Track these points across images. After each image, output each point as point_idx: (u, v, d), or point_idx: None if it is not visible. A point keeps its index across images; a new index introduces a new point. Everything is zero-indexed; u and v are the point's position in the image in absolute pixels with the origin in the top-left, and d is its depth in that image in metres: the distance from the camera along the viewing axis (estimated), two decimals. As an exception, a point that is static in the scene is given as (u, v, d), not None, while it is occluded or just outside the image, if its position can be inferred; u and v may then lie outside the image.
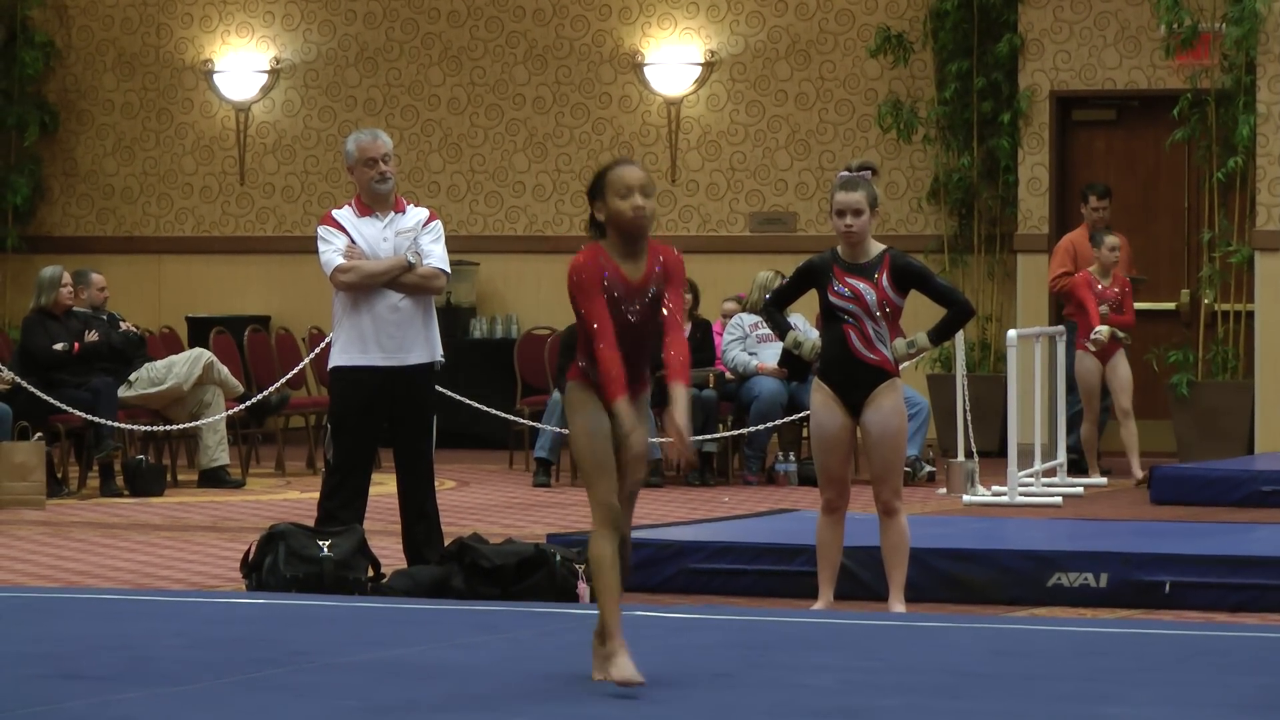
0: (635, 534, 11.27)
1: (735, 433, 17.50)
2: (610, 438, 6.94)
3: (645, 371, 7.01)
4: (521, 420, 17.40)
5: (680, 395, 6.97)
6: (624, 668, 6.82)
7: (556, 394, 17.11)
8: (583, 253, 6.91)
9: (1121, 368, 16.63)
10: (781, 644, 9.09)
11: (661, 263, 6.95)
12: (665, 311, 7.09)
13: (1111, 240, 16.68)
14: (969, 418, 15.78)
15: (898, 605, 9.86)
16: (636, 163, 7.08)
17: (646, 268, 6.91)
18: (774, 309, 10.44)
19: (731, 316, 17.72)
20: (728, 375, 17.69)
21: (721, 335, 17.65)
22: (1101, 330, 16.38)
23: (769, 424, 17.02)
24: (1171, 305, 19.44)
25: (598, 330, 6.89)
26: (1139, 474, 16.06)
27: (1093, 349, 16.64)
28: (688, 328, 17.56)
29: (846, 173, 10.08)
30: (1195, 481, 15.91)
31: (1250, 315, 18.58)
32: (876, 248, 9.87)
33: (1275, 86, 18.06)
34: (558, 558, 10.47)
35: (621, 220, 6.83)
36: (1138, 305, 18.05)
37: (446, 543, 10.68)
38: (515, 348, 19.26)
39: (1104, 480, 16.63)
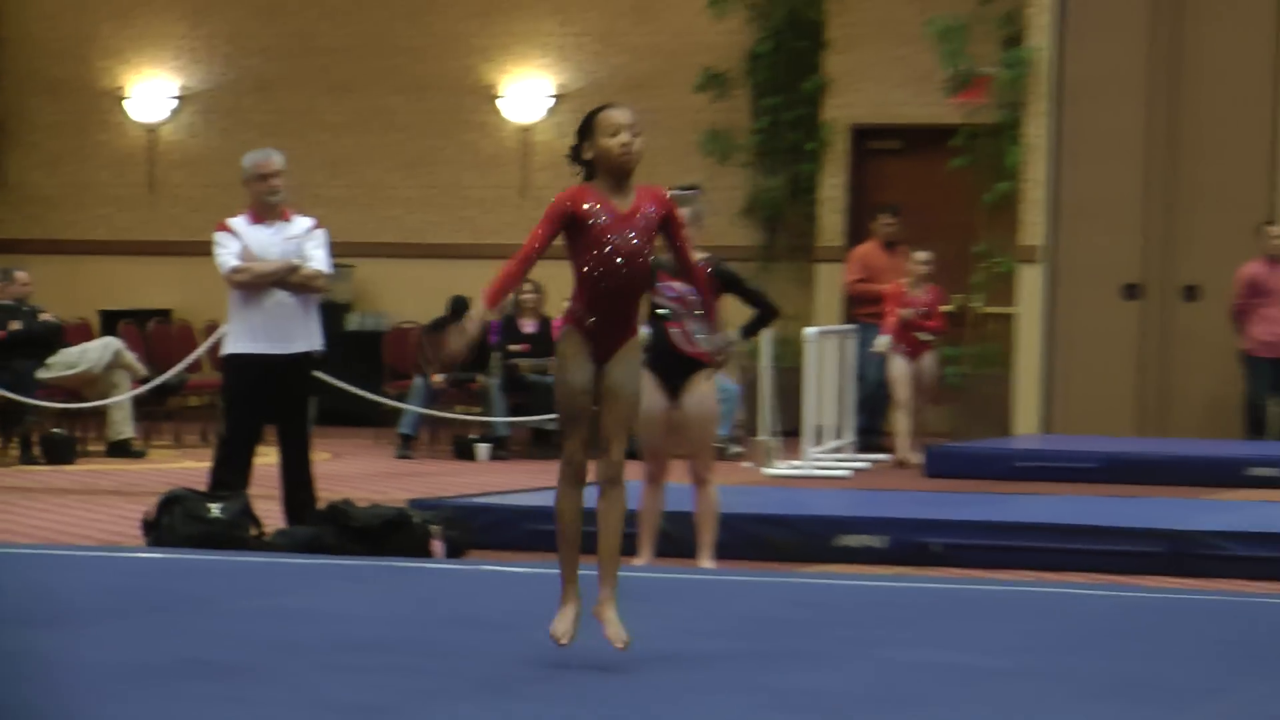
0: (486, 500, 12.02)
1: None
2: (590, 392, 6.42)
3: (634, 321, 6.48)
4: (388, 401, 17.45)
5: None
6: (562, 623, 6.37)
7: (418, 379, 17.45)
8: (570, 188, 6.40)
9: (927, 367, 16.88)
10: (608, 595, 8.94)
11: (652, 198, 6.39)
12: (682, 247, 6.58)
13: (921, 255, 16.89)
14: (772, 402, 15.96)
15: (707, 562, 10.08)
16: (626, 105, 6.51)
17: (635, 201, 6.34)
18: None
19: (573, 313, 17.41)
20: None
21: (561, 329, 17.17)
22: (880, 341, 16.68)
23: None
24: (950, 308, 19.07)
25: (524, 248, 6.35)
26: (910, 458, 16.44)
27: (878, 352, 16.71)
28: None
29: (676, 191, 10.03)
30: (963, 458, 16.29)
31: (1011, 318, 18.89)
32: (698, 256, 10.18)
33: (1038, 122, 18.36)
34: (416, 520, 10.57)
35: (609, 157, 6.30)
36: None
37: (321, 506, 10.77)
38: (384, 339, 19.39)
39: (887, 457, 16.75)
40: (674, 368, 10.03)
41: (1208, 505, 13.02)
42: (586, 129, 6.31)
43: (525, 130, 21.01)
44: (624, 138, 6.24)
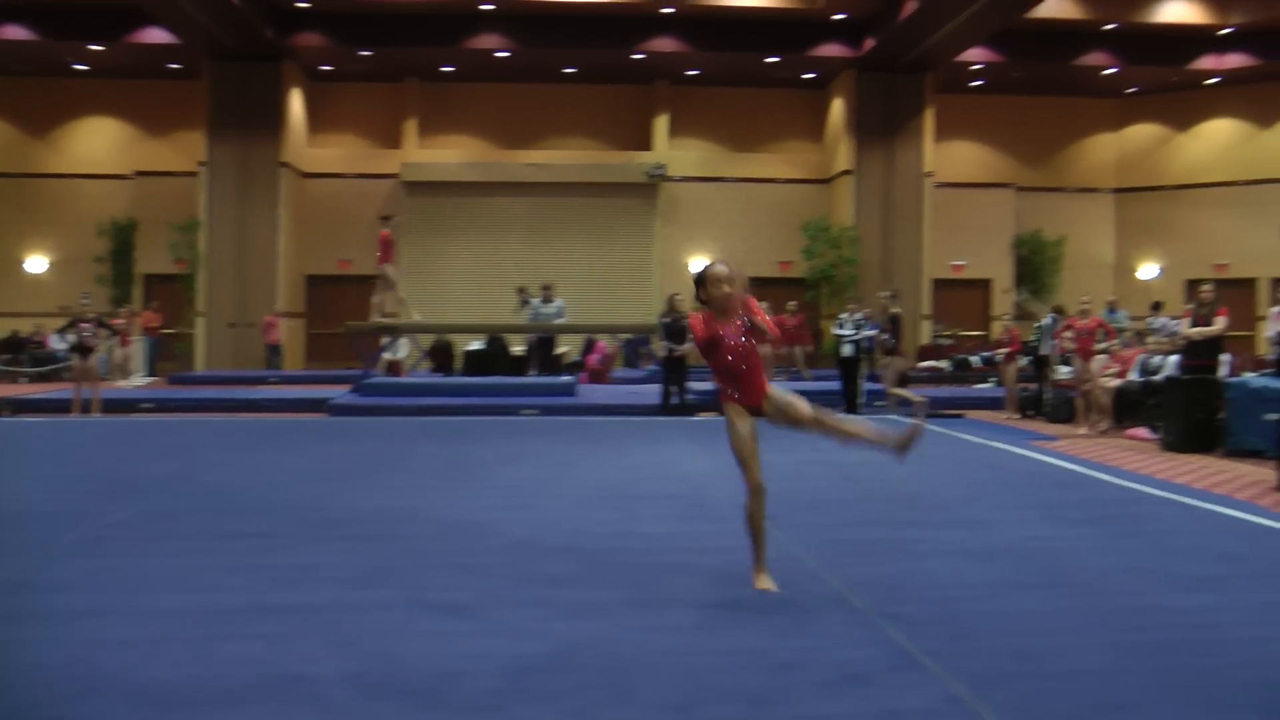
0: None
1: None
2: (756, 436, 6.09)
3: (762, 382, 6.14)
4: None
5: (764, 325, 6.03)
6: (767, 582, 6.16)
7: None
8: (700, 315, 6.20)
9: (130, 351, 19.01)
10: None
11: (741, 311, 6.16)
12: (759, 316, 6.09)
13: (132, 307, 20.22)
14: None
15: (97, 414, 11.31)
16: (726, 263, 6.16)
17: (738, 321, 6.15)
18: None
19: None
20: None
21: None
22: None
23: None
24: (173, 331, 23.62)
25: (700, 331, 6.14)
26: (160, 381, 18.75)
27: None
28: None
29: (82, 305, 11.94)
30: (182, 380, 19.25)
31: (194, 334, 23.27)
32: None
33: (206, 266, 22.64)
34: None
35: (717, 301, 6.12)
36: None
37: None
38: None
39: (156, 378, 19.74)
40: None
41: (242, 392, 14.66)
42: (700, 280, 6.19)
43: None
44: (726, 288, 6.10)
